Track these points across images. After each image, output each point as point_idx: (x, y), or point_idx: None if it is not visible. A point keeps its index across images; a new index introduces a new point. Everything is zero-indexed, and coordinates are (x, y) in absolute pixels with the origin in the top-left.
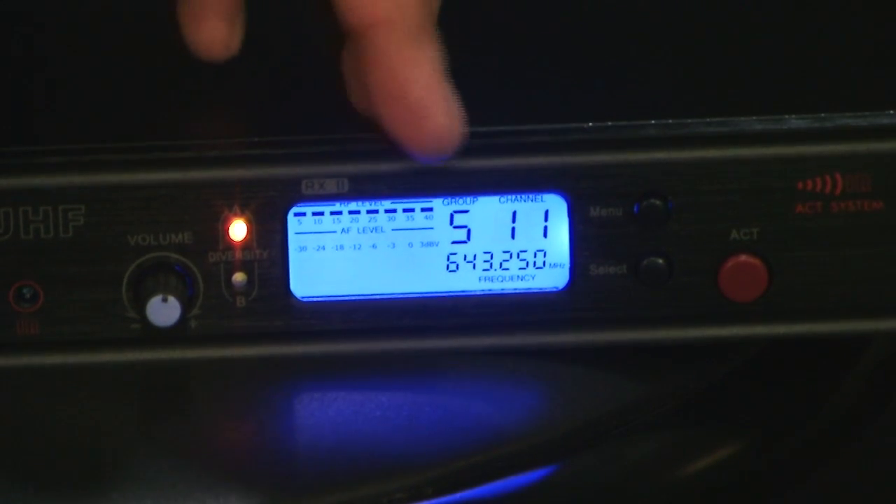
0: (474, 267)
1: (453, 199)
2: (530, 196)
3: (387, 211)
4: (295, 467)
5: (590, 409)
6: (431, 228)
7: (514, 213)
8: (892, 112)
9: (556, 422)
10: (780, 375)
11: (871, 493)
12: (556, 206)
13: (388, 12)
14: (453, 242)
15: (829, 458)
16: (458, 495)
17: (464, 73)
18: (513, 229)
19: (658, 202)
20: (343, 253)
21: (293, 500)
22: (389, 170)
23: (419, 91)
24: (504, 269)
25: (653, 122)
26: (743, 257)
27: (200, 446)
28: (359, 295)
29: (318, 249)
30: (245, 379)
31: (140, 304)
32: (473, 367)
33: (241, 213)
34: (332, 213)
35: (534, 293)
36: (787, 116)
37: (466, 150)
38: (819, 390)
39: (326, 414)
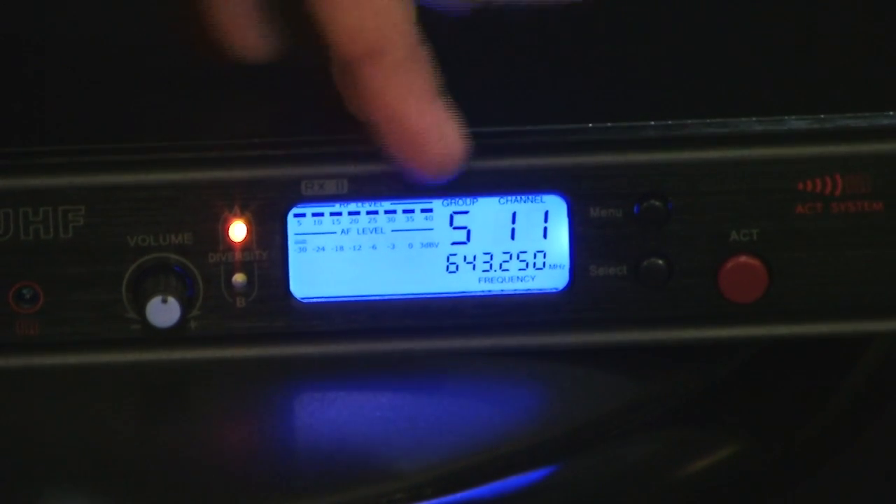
0: (474, 268)
1: (453, 200)
2: (530, 197)
3: (386, 212)
4: (295, 468)
5: (589, 410)
6: (431, 229)
7: (514, 214)
8: (891, 113)
9: (555, 422)
10: (780, 376)
11: (870, 493)
12: (556, 207)
13: (374, 44)
14: (453, 243)
15: (828, 459)
16: (457, 496)
17: (464, 74)
18: (513, 230)
19: (658, 203)
20: (343, 254)
21: (293, 500)
22: (389, 171)
23: (414, 122)
24: (504, 270)
25: (653, 123)
26: (743, 258)
27: (200, 446)
28: (358, 296)
29: (317, 250)
30: (245, 379)
31: (140, 305)
32: (473, 368)
33: (241, 214)
34: (332, 213)
35: (534, 294)
36: (787, 117)
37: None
38: (818, 390)
39: (326, 414)
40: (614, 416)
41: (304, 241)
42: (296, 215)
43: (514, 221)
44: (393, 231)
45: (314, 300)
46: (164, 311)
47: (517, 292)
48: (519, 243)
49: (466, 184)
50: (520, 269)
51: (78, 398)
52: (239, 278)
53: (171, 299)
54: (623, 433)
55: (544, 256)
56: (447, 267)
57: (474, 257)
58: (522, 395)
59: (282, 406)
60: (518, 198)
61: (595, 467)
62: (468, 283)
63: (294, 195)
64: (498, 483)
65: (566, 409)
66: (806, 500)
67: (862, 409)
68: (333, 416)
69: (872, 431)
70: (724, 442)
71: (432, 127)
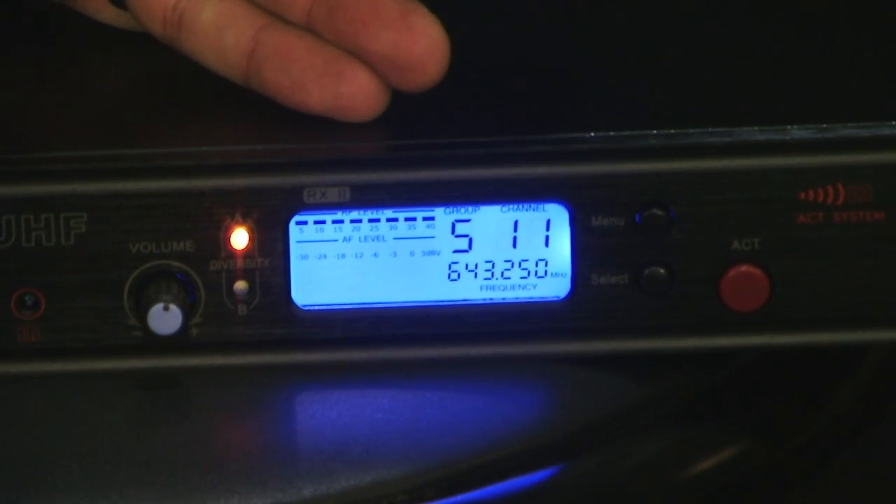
0: (476, 276)
1: (455, 209)
2: (532, 205)
3: (388, 220)
4: (295, 469)
5: (591, 411)
6: (433, 237)
7: (516, 223)
8: (894, 123)
9: (557, 423)
10: (781, 377)
11: (871, 495)
12: (558, 216)
13: None
14: (455, 251)
15: (829, 461)
16: (458, 497)
17: (466, 83)
18: (514, 238)
19: (660, 212)
20: (344, 261)
21: (293, 502)
22: (391, 179)
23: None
24: (505, 279)
25: (655, 131)
26: (744, 267)
27: (201, 447)
28: (360, 303)
29: (319, 258)
30: (246, 380)
31: (141, 312)
32: (474, 369)
33: (243, 222)
34: (334, 221)
35: (535, 302)
36: (789, 126)
37: (469, 159)
38: (820, 392)
39: (327, 416)
40: (617, 416)
41: (305, 249)
42: (298, 223)
43: (515, 230)
44: (395, 239)
45: (316, 308)
46: (165, 319)
47: (519, 300)
48: (521, 251)
49: (468, 192)
50: (521, 278)
51: (76, 396)
52: (241, 285)
53: (172, 306)
54: (626, 434)
55: (546, 265)
56: (449, 275)
57: (476, 265)
58: (524, 395)
59: (282, 407)
60: (520, 206)
61: (597, 468)
62: (470, 291)
63: (296, 203)
64: (499, 485)
65: (568, 410)
66: (809, 500)
67: (862, 412)
68: (334, 417)
69: (872, 434)
70: (725, 444)
71: (410, 3)
